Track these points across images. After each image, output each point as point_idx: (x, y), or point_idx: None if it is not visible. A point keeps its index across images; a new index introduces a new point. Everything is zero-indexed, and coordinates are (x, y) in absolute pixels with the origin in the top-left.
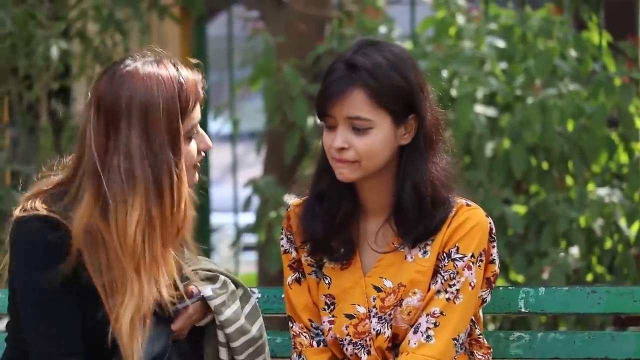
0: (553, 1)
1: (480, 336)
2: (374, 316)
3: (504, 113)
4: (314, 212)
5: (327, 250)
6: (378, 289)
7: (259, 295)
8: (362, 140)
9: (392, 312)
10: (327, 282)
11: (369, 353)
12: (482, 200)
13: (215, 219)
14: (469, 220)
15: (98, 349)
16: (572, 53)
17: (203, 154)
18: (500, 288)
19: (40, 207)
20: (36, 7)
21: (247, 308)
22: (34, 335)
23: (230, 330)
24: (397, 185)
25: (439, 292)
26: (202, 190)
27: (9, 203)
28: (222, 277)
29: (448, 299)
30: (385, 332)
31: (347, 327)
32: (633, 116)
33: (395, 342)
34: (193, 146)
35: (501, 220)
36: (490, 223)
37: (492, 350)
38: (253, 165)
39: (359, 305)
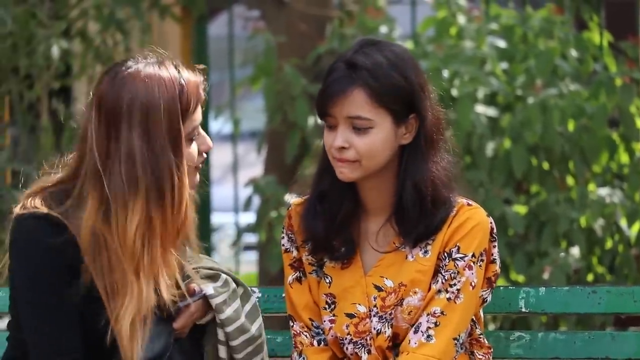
0: (554, 1)
1: (481, 336)
2: (374, 315)
3: (505, 113)
4: (315, 211)
5: (328, 250)
6: (379, 289)
7: (260, 295)
8: (363, 139)
9: (393, 311)
10: (327, 281)
11: (369, 352)
12: (482, 200)
13: (216, 218)
14: (470, 220)
15: (98, 349)
16: (573, 53)
17: (204, 155)
18: (501, 288)
19: (40, 205)
20: (37, 6)
21: (247, 307)
22: (32, 334)
23: (230, 328)
24: (397, 184)
25: (439, 291)
26: (203, 190)
27: (10, 202)
28: (223, 276)
29: (449, 299)
30: (385, 331)
31: (347, 326)
32: (634, 116)
33: (396, 342)
34: (194, 148)
35: (502, 220)
36: (491, 223)
37: (492, 350)
38: (254, 165)
39: (359, 304)
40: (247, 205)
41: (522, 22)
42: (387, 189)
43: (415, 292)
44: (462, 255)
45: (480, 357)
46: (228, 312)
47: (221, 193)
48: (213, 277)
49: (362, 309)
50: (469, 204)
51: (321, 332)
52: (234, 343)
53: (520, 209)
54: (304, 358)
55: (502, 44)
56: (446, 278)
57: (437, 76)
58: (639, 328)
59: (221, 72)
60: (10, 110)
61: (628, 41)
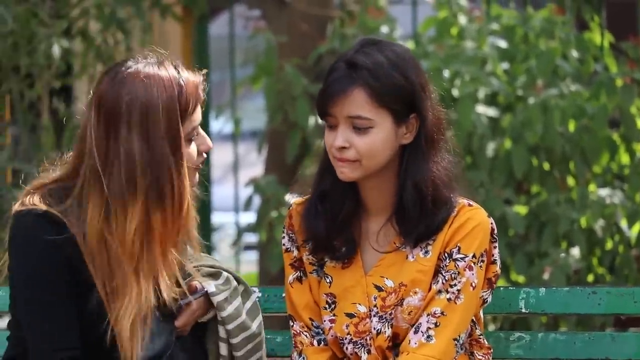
0: (555, 1)
1: (481, 336)
2: (374, 315)
3: (506, 113)
4: (316, 211)
5: (329, 249)
6: (379, 288)
7: (260, 294)
8: (363, 139)
9: (393, 311)
10: (328, 281)
11: (369, 352)
12: (483, 201)
13: (216, 218)
14: (471, 221)
15: (98, 348)
16: (574, 53)
17: (204, 155)
18: (501, 288)
19: (39, 203)
20: (38, 5)
21: (248, 304)
22: (30, 331)
23: (231, 326)
24: (398, 184)
25: (440, 292)
26: (204, 189)
27: (10, 202)
28: (224, 274)
29: (449, 299)
30: (385, 331)
31: (347, 326)
32: (634, 117)
33: (396, 342)
34: (193, 148)
35: (502, 220)
36: (491, 223)
37: (492, 350)
38: (254, 165)
39: (359, 304)
40: (247, 205)
41: (523, 22)
42: (388, 189)
43: (415, 292)
44: (463, 256)
45: (480, 357)
46: (229, 309)
47: (222, 193)
48: (214, 275)
49: (362, 308)
50: (469, 205)
51: (321, 332)
52: (235, 340)
53: (521, 210)
54: (303, 358)
55: (503, 44)
56: (447, 278)
57: (438, 76)
58: (639, 329)
59: (222, 71)
60: (11, 109)
61: (629, 42)
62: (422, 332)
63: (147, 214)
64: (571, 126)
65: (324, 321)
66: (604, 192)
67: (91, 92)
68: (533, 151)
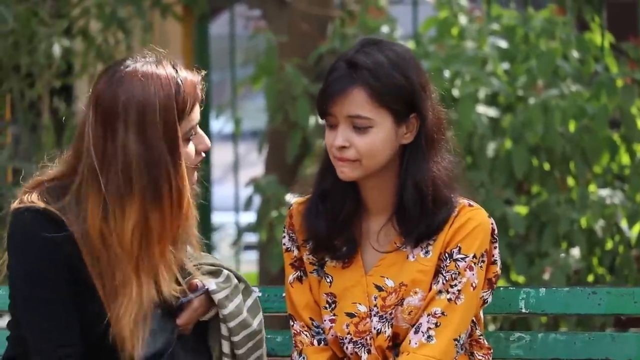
0: (555, 2)
1: (481, 337)
2: (374, 315)
3: (506, 113)
4: (317, 210)
5: (329, 249)
6: (379, 288)
7: (260, 294)
8: (363, 139)
9: (393, 311)
10: (328, 280)
11: (369, 352)
12: (483, 201)
13: (217, 217)
14: (471, 221)
15: (98, 347)
16: (575, 54)
17: (203, 154)
18: (501, 288)
19: (37, 200)
20: (39, 4)
21: (249, 302)
22: (30, 329)
23: (232, 324)
24: (398, 184)
25: (440, 292)
26: (204, 189)
27: (10, 201)
28: (225, 272)
29: (449, 299)
30: (385, 331)
31: (347, 325)
32: (635, 117)
33: (396, 342)
34: (191, 148)
35: (502, 220)
36: (492, 224)
37: (492, 350)
38: (255, 165)
39: (360, 304)
40: (247, 205)
41: (523, 22)
42: (388, 189)
43: (415, 292)
44: (463, 256)
45: (480, 357)
46: (230, 307)
47: (222, 192)
48: (215, 273)
49: (362, 308)
50: (470, 205)
51: (321, 331)
52: (236, 338)
53: (521, 210)
54: (304, 357)
55: (503, 44)
56: (447, 278)
57: (438, 76)
58: (639, 329)
59: (222, 71)
60: (11, 109)
61: (629, 42)
62: (422, 332)
63: (144, 213)
64: (572, 126)
65: (324, 321)
66: (604, 192)
67: (90, 90)
68: (533, 151)
